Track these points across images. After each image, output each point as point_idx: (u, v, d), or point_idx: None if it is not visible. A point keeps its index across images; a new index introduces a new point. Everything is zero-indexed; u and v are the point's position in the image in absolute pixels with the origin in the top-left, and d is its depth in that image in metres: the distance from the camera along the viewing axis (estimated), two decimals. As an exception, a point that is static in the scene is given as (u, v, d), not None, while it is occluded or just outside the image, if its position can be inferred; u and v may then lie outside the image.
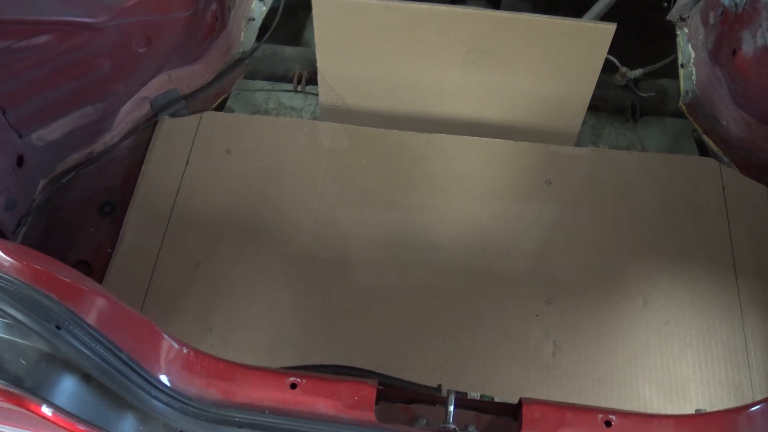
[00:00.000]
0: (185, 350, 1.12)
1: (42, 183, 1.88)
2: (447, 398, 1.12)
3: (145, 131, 2.00)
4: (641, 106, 2.31)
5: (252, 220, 1.84)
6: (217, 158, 1.94)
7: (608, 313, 1.71)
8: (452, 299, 1.74)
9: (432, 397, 1.18)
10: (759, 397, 1.58)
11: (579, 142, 2.56)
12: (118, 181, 1.92)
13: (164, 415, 1.05)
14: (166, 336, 1.11)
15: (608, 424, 1.08)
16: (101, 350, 0.99)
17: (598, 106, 2.36)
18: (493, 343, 1.67)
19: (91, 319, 1.00)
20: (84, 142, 1.90)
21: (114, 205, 1.88)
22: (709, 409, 1.56)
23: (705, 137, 2.02)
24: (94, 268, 1.78)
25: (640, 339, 1.68)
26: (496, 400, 1.55)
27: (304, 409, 1.10)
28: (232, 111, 2.19)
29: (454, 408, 1.11)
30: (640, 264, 1.78)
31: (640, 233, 1.82)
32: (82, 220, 1.86)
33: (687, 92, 2.09)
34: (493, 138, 1.97)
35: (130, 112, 1.98)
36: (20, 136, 1.75)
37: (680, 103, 2.09)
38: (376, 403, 1.18)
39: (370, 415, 1.09)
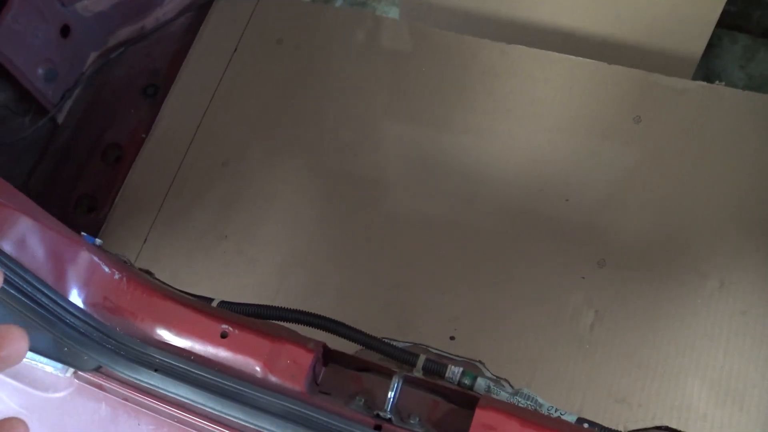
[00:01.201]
0: (117, 275, 1.01)
1: (93, 56, 1.81)
2: (392, 379, 0.95)
3: (201, 10, 1.86)
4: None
5: (288, 123, 1.68)
6: (266, 48, 1.76)
7: (671, 288, 1.42)
8: (489, 242, 1.52)
9: (386, 369, 1.01)
10: (839, 426, 1.27)
11: (724, 66, 2.14)
12: (165, 62, 1.81)
13: (80, 344, 0.96)
14: (94, 258, 1.00)
15: (575, 452, 0.86)
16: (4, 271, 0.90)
17: (737, 26, 1.92)
18: (524, 301, 1.45)
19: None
20: (134, 17, 1.79)
21: (157, 88, 1.79)
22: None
23: None
24: (126, 152, 1.71)
25: (705, 327, 1.38)
26: (507, 373, 1.37)
27: (229, 363, 0.97)
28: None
29: (396, 395, 0.94)
30: (727, 235, 1.45)
31: (737, 197, 1.47)
32: (124, 100, 1.78)
33: None
34: (584, 57, 1.64)
35: (186, -13, 1.83)
36: (63, 5, 1.67)
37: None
38: (325, 364, 1.03)
39: (299, 385, 0.94)
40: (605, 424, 1.33)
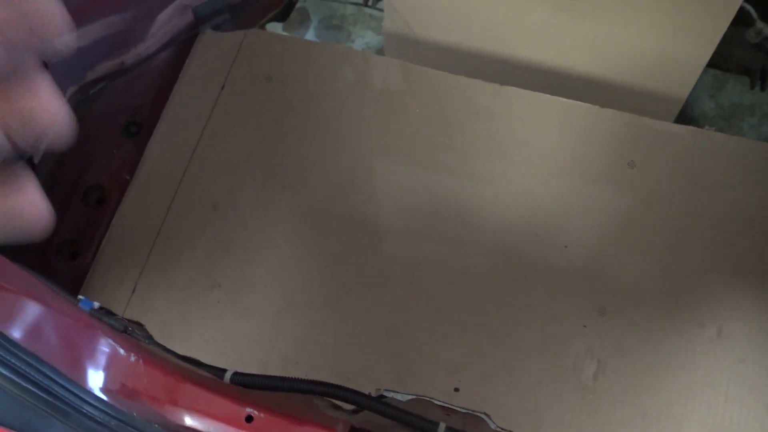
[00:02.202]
0: (132, 358, 0.96)
1: (70, 91, 1.72)
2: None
3: (185, 44, 1.79)
4: (773, 72, 1.90)
5: (279, 163, 1.64)
6: (255, 85, 1.72)
7: (671, 337, 1.44)
8: (487, 289, 1.51)
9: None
10: (835, 473, 1.31)
11: (696, 95, 2.18)
12: (148, 98, 1.75)
13: (96, 433, 0.92)
14: (111, 341, 0.95)
15: None
16: (16, 363, 0.84)
17: (716, 64, 1.96)
18: (526, 350, 1.45)
19: (6, 327, 0.85)
20: (113, 51, 1.72)
21: (140, 126, 1.72)
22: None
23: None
24: (108, 194, 1.64)
25: (705, 375, 1.41)
26: (513, 425, 1.37)
27: (256, 449, 0.93)
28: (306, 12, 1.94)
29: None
30: (721, 282, 1.47)
31: (731, 246, 1.50)
32: (105, 138, 1.71)
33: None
34: (574, 100, 1.65)
35: (168, 21, 1.77)
36: (41, 42, 1.59)
37: (821, 81, 1.68)
38: (351, 443, 1.01)
39: (331, 472, 0.92)
40: (611, 475, 1.35)
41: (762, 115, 2.22)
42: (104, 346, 0.94)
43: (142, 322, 1.49)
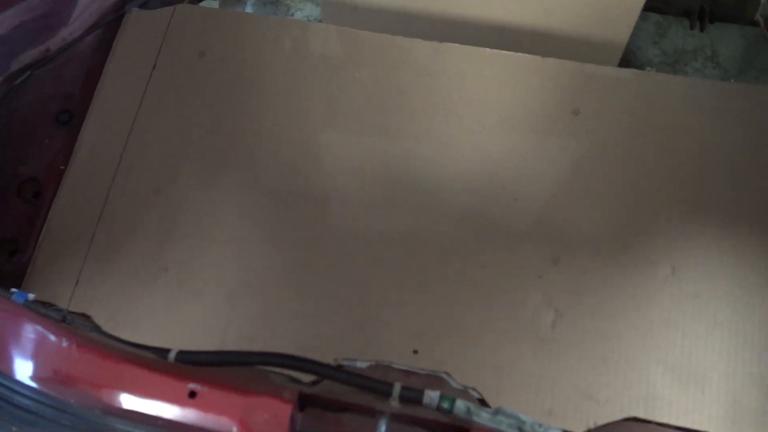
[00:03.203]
0: (65, 343, 0.92)
1: (-5, 83, 1.66)
2: (377, 419, 0.90)
3: (111, 26, 1.73)
4: (712, 11, 1.89)
5: (222, 142, 1.59)
6: (188, 62, 1.66)
7: (626, 279, 1.43)
8: (442, 249, 1.49)
9: (368, 408, 0.96)
10: (795, 399, 1.32)
11: (638, 43, 2.16)
12: (78, 84, 1.68)
13: (32, 425, 0.88)
14: (39, 328, 0.91)
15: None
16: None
17: (656, 7, 1.96)
18: (483, 306, 1.43)
19: None
20: (37, 38, 1.65)
21: (72, 113, 1.66)
22: (734, 406, 1.32)
23: (782, 61, 1.62)
24: (45, 187, 1.58)
25: (661, 314, 1.41)
26: (474, 381, 1.35)
27: (201, 425, 0.90)
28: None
29: (384, 438, 0.90)
30: (674, 221, 1.47)
31: (681, 183, 1.50)
32: (36, 129, 1.65)
33: (770, -1, 1.67)
34: (517, 52, 1.62)
35: (92, 3, 1.70)
36: (-44, 32, 1.52)
37: (757, 15, 1.67)
38: (302, 410, 0.98)
39: (281, 440, 0.89)
40: (575, 421, 1.34)
41: (705, 59, 2.22)
42: (33, 335, 0.90)
43: (89, 313, 1.44)
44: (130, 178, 1.57)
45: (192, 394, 0.91)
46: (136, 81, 1.64)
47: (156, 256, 1.50)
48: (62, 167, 1.60)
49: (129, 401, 0.91)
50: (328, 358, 1.38)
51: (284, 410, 0.89)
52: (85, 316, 1.43)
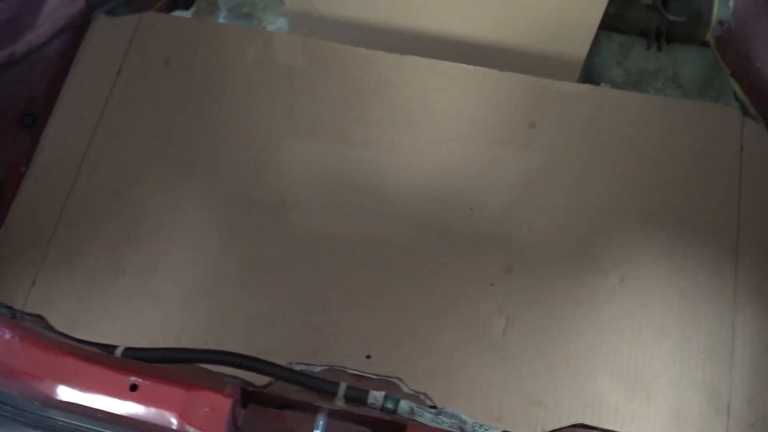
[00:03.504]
0: (7, 335, 0.93)
1: (-41, 85, 1.66)
2: (315, 416, 0.92)
3: (78, 31, 1.75)
4: (668, 31, 1.95)
5: (183, 147, 1.61)
6: (153, 69, 1.68)
7: (576, 288, 1.46)
8: (398, 256, 1.51)
9: (309, 405, 0.98)
10: (736, 405, 1.36)
11: (603, 63, 2.21)
12: (42, 88, 1.69)
13: (-30, 415, 0.88)
14: (-20, 319, 0.92)
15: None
16: None
17: (616, 27, 2.01)
18: (436, 313, 1.46)
19: None
20: (2, 42, 1.66)
21: (35, 117, 1.67)
22: (679, 413, 1.35)
23: (732, 80, 1.68)
24: (5, 189, 1.59)
25: (609, 323, 1.44)
26: (426, 387, 1.37)
27: (142, 418, 0.91)
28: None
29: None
30: (624, 232, 1.51)
31: (631, 196, 1.54)
32: (0, 131, 1.65)
33: (720, 22, 1.72)
34: (478, 66, 1.66)
35: (59, 8, 1.71)
36: None
37: (709, 35, 1.73)
38: (244, 406, 0.99)
39: (219, 433, 0.90)
40: (524, 427, 1.36)
41: (666, 79, 2.28)
42: (-25, 325, 0.91)
43: (44, 314, 1.45)
44: (91, 181, 1.58)
45: (133, 388, 0.92)
46: (100, 86, 1.66)
47: (114, 258, 1.51)
48: (23, 170, 1.60)
49: (70, 394, 0.91)
50: (281, 361, 1.39)
51: (224, 404, 0.90)
52: (40, 317, 1.43)
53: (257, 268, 1.50)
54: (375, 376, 1.38)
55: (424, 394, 1.37)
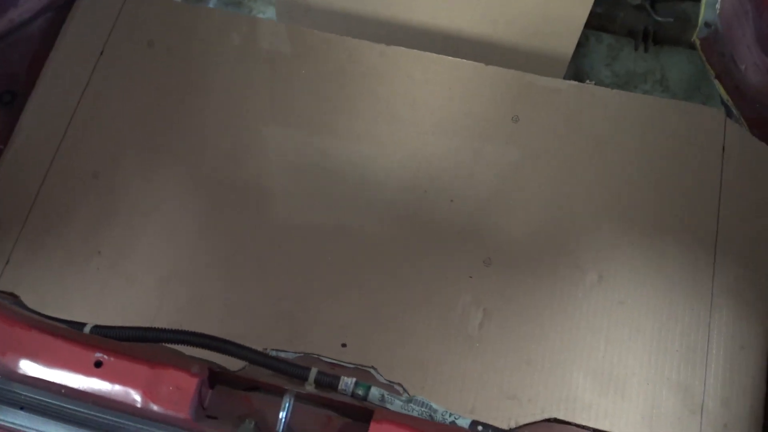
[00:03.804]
0: (-29, 307, 0.91)
1: (-61, 60, 1.64)
2: (282, 398, 0.91)
3: (61, 11, 1.73)
4: (656, 33, 1.95)
5: (164, 130, 1.60)
6: (136, 51, 1.67)
7: (554, 284, 1.46)
8: (376, 246, 1.50)
9: (277, 387, 0.97)
10: (709, 405, 1.36)
11: (591, 64, 2.21)
12: (24, 66, 1.67)
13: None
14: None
15: (470, 460, 0.86)
16: None
17: (604, 27, 2.01)
18: (414, 303, 1.45)
19: None
20: (-16, 18, 1.64)
21: (15, 94, 1.65)
22: (652, 411, 1.35)
23: (716, 82, 1.68)
24: (-18, 166, 1.57)
25: (586, 320, 1.43)
26: (400, 377, 1.36)
27: (106, 394, 0.90)
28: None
29: (288, 414, 0.90)
30: (603, 230, 1.50)
31: (612, 193, 1.53)
32: (-21, 109, 1.63)
33: (707, 24, 1.72)
34: (462, 59, 1.66)
35: (44, -14, 1.70)
36: None
37: (695, 37, 1.73)
38: (212, 387, 0.98)
39: (183, 412, 0.89)
40: (497, 420, 1.36)
41: (654, 82, 2.28)
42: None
43: (17, 293, 1.43)
44: (69, 161, 1.56)
45: (98, 364, 0.90)
46: (82, 66, 1.64)
47: (90, 239, 1.49)
48: (1, 147, 1.58)
49: (33, 368, 0.90)
50: (257, 348, 1.38)
51: (190, 383, 0.89)
52: (13, 296, 1.41)
53: (234, 255, 1.49)
54: (350, 365, 1.37)
55: (399, 385, 1.36)
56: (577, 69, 2.19)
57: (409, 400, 1.07)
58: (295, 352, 1.40)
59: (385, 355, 1.40)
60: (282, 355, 1.38)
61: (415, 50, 1.66)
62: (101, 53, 1.66)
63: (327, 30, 1.70)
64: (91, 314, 1.43)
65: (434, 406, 1.07)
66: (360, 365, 1.38)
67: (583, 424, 1.35)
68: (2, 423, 0.85)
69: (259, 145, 1.60)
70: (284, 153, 1.59)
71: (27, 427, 0.85)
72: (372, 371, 1.38)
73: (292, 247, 1.51)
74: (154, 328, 1.10)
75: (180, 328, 1.12)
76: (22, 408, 0.86)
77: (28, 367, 0.90)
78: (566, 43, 1.74)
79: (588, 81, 1.65)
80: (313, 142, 1.60)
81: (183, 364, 0.92)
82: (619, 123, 1.59)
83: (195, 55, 1.68)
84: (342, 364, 1.38)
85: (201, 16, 1.71)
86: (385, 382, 1.36)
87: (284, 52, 1.68)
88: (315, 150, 1.59)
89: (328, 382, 1.09)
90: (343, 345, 1.41)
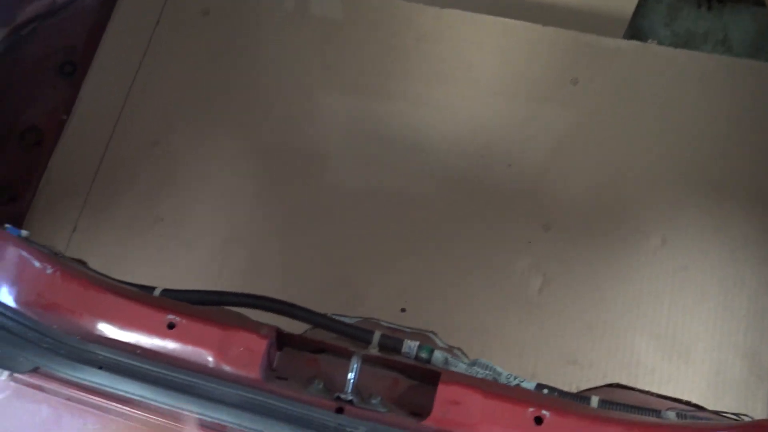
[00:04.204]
0: (49, 270, 0.94)
1: (1, 33, 1.68)
2: (349, 360, 0.91)
3: (117, -19, 1.74)
4: (721, -10, 1.88)
5: (219, 98, 1.61)
6: (192, 20, 1.68)
7: (615, 249, 1.44)
8: (435, 211, 1.50)
9: (344, 350, 0.98)
10: (777, 372, 1.32)
11: (650, 25, 2.15)
12: (81, 38, 1.70)
13: (13, 345, 0.90)
14: (23, 253, 0.93)
15: (539, 420, 0.86)
16: None
17: (665, -15, 1.94)
18: (472, 268, 1.44)
19: None
20: (44, -10, 1.67)
21: (75, 65, 1.68)
22: (717, 378, 1.32)
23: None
24: (46, 135, 1.61)
25: (649, 284, 1.41)
26: (460, 342, 1.36)
27: (178, 355, 0.92)
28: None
29: (356, 376, 0.91)
30: (665, 194, 1.47)
31: (674, 156, 1.49)
32: (40, 80, 1.66)
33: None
34: (518, 20, 1.62)
35: (99, -43, 1.72)
36: (-37, -20, 1.53)
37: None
38: (280, 349, 1.00)
39: (254, 372, 0.91)
40: (558, 385, 1.33)
41: (715, 42, 2.20)
42: (18, 260, 0.92)
43: (84, 260, 1.47)
44: (129, 130, 1.59)
45: (171, 326, 0.92)
46: (139, 36, 1.66)
47: (151, 206, 1.52)
48: (64, 117, 1.62)
49: (109, 329, 0.92)
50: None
51: (260, 345, 0.91)
52: (82, 262, 1.45)
53: (292, 220, 1.50)
54: (409, 329, 1.38)
55: (459, 349, 1.37)
56: (635, 30, 2.13)
57: (473, 363, 1.07)
58: (355, 317, 1.40)
59: (444, 320, 1.40)
60: (342, 319, 1.39)
61: (470, 13, 1.63)
62: (157, 23, 1.68)
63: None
64: (155, 279, 1.45)
65: (498, 368, 1.07)
66: (420, 330, 1.39)
67: (646, 389, 1.33)
68: (83, 382, 0.88)
69: (313, 111, 1.60)
70: (338, 117, 1.59)
71: (106, 386, 0.87)
72: (431, 336, 1.38)
73: (348, 211, 1.51)
74: (222, 291, 1.12)
75: (243, 292, 1.13)
76: (100, 367, 0.89)
77: (105, 329, 0.92)
78: (627, 1, 1.68)
79: (650, 40, 1.60)
80: (368, 107, 1.59)
81: (252, 326, 0.94)
82: (681, 83, 1.54)
83: (249, 23, 1.68)
84: (401, 328, 1.38)
85: (254, -18, 1.71)
86: (444, 346, 1.37)
87: (337, 17, 1.66)
88: (370, 115, 1.58)
89: (391, 345, 1.10)
90: (403, 310, 1.42)
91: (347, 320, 1.38)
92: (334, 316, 1.38)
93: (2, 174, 1.56)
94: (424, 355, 1.08)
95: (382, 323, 1.40)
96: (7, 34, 1.66)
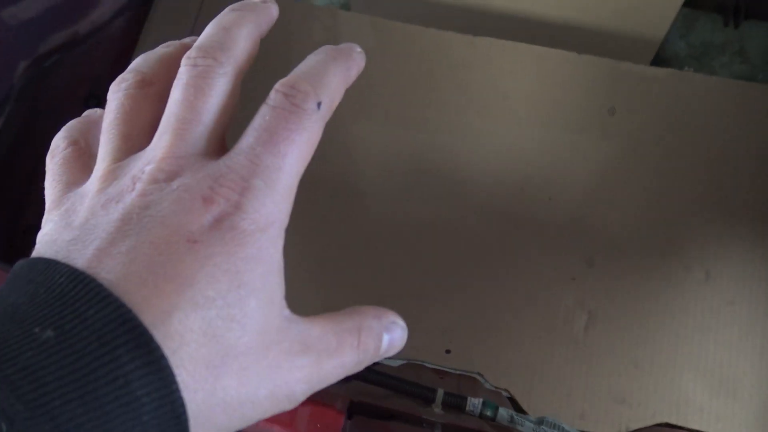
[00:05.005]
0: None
1: (23, 65, 1.63)
2: (426, 429, 0.90)
3: (141, 9, 1.70)
4: (748, 8, 1.86)
5: (245, 128, 1.57)
6: (219, 49, 1.63)
7: (659, 283, 1.43)
8: (474, 246, 1.48)
9: (417, 418, 0.96)
10: (827, 408, 1.33)
11: (666, 38, 2.15)
12: (106, 68, 1.66)
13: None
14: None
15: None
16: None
17: (690, 2, 1.92)
18: (516, 306, 1.43)
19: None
20: (66, 21, 1.62)
21: (99, 98, 1.63)
22: (766, 413, 1.33)
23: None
24: (74, 173, 1.56)
25: (694, 321, 1.40)
26: (506, 383, 1.35)
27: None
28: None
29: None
30: (709, 226, 1.46)
31: (716, 185, 1.48)
32: (65, 112, 1.61)
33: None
34: (548, 45, 1.60)
35: (121, -16, 1.67)
36: (-15, 13, 1.49)
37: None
38: (349, 418, 0.98)
39: (332, 450, 0.89)
40: (607, 425, 1.35)
41: (733, 54, 2.19)
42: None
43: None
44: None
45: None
46: (166, 67, 1.62)
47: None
48: (90, 153, 1.57)
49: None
50: (360, 355, 1.38)
51: (337, 420, 0.89)
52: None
53: (328, 257, 1.48)
54: (456, 371, 1.37)
55: (506, 390, 1.36)
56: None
57: (540, 422, 1.06)
58: (400, 359, 1.39)
59: (489, 361, 1.39)
60: (386, 363, 1.37)
61: (503, 41, 1.61)
62: (184, 53, 1.63)
63: (404, 17, 1.65)
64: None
65: (566, 427, 1.06)
66: (466, 371, 1.37)
67: (696, 428, 1.33)
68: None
69: (346, 142, 1.57)
70: (373, 149, 1.56)
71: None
72: (478, 377, 1.37)
73: (386, 247, 1.49)
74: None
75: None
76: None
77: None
78: (658, 25, 1.66)
79: (686, 68, 1.58)
80: (403, 138, 1.56)
81: (326, 398, 0.92)
82: (721, 111, 1.53)
83: (277, 49, 1.63)
84: (447, 370, 1.37)
85: (283, 8, 1.66)
86: (491, 388, 1.36)
87: (368, 45, 1.63)
88: (405, 146, 1.56)
89: (455, 403, 1.08)
90: (447, 351, 1.40)
91: (392, 362, 1.37)
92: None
93: (32, 215, 1.52)
94: (488, 413, 1.07)
95: (427, 365, 1.38)
96: (29, 65, 1.62)
